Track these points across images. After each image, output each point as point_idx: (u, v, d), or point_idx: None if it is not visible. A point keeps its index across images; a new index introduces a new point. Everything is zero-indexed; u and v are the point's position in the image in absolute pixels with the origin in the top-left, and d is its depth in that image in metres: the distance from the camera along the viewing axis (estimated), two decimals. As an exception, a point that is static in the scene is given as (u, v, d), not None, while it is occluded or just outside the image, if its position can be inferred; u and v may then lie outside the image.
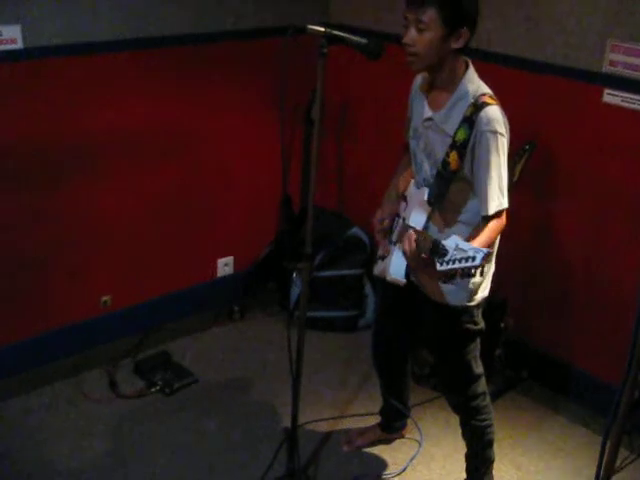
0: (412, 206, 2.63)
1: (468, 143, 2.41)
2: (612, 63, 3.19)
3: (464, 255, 2.10)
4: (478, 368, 2.82)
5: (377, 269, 2.81)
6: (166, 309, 4.09)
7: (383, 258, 2.76)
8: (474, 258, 2.09)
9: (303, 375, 2.87)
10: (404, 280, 2.58)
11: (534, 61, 3.44)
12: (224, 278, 4.32)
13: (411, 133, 2.69)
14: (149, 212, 3.87)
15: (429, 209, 2.56)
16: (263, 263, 4.33)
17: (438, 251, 2.17)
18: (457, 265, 2.11)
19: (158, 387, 3.58)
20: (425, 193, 2.54)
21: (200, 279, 4.22)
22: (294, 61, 4.15)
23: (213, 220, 4.16)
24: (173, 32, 3.66)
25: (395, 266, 2.61)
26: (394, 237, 2.70)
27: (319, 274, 4.10)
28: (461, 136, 2.42)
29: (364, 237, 4.22)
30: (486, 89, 2.47)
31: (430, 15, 2.33)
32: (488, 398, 2.89)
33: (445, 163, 2.47)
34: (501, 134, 2.39)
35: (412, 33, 2.38)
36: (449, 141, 2.46)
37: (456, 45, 2.40)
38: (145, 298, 4.00)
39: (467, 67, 2.50)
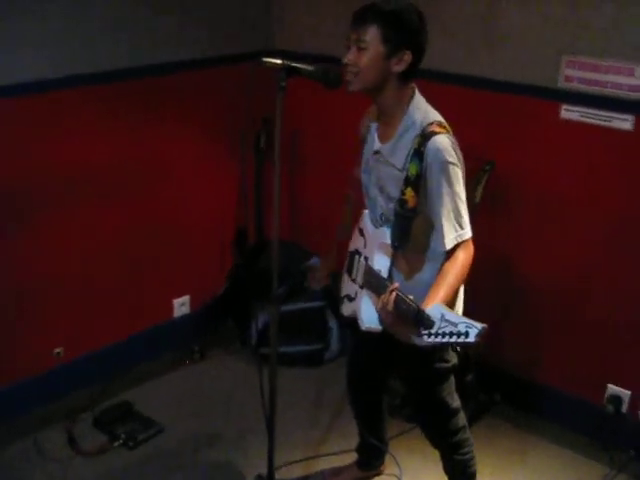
0: (373, 247, 2.52)
1: (421, 177, 2.31)
2: (568, 79, 3.17)
3: (454, 329, 1.93)
4: (455, 402, 2.73)
5: (345, 310, 2.71)
6: (123, 355, 3.92)
7: (350, 298, 2.66)
8: (467, 334, 1.92)
9: (271, 415, 2.73)
10: (380, 327, 2.45)
11: (491, 80, 3.40)
12: (181, 318, 4.17)
13: (362, 166, 2.60)
14: (100, 255, 3.70)
15: (391, 251, 2.45)
16: (221, 300, 4.19)
17: (423, 322, 2.03)
18: (446, 339, 1.95)
19: (121, 440, 3.40)
20: (387, 236, 2.44)
21: (156, 321, 4.06)
22: (241, 90, 4.09)
23: (167, 259, 4.01)
24: (120, 66, 3.53)
25: (367, 314, 2.49)
26: (359, 280, 2.58)
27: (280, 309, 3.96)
28: (413, 171, 2.32)
29: (324, 268, 4.10)
30: (435, 116, 2.38)
31: (371, 33, 2.27)
32: (468, 431, 2.80)
33: (402, 202, 2.36)
34: (452, 163, 2.29)
35: (353, 52, 2.31)
36: (399, 175, 2.37)
37: (397, 68, 2.31)
38: (100, 346, 3.81)
39: (413, 93, 2.41)
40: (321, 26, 3.99)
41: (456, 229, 2.32)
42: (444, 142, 2.29)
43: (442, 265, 2.33)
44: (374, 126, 2.50)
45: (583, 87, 3.14)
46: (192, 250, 4.11)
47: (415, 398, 2.86)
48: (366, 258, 2.54)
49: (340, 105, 3.74)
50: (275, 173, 2.58)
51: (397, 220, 2.39)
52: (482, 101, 3.43)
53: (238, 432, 3.52)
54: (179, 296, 4.13)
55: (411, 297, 2.16)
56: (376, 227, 2.54)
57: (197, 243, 4.13)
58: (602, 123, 3.13)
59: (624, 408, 3.38)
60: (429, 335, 1.97)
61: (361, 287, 2.56)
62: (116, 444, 3.39)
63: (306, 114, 4.14)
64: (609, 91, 3.08)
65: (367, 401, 3.09)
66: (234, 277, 4.20)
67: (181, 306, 4.15)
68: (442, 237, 2.31)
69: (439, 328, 1.96)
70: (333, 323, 4.08)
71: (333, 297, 4.05)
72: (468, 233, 2.35)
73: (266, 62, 2.46)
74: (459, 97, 3.34)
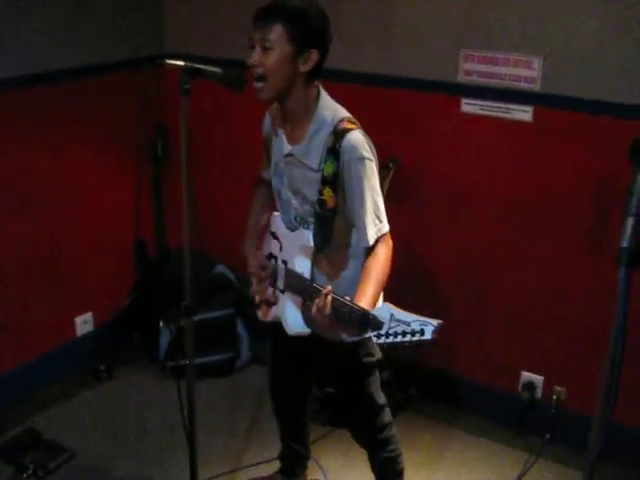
0: (291, 250, 2.47)
1: (338, 176, 2.28)
2: (467, 72, 3.20)
3: (406, 328, 1.88)
4: (380, 399, 2.71)
5: (267, 315, 2.64)
6: (26, 380, 3.70)
7: (269, 303, 2.60)
8: (422, 332, 1.86)
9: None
10: (309, 330, 2.41)
11: (391, 77, 3.39)
12: (85, 336, 3.98)
13: (272, 170, 2.54)
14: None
15: (312, 253, 2.41)
16: (125, 315, 4.04)
17: (369, 323, 1.97)
18: (399, 339, 1.89)
19: (30, 471, 3.19)
20: (308, 239, 2.38)
21: (59, 341, 3.86)
22: (133, 97, 3.97)
23: (65, 276, 3.83)
24: (3, 76, 3.32)
25: (293, 318, 2.45)
26: (280, 284, 2.52)
27: (188, 319, 3.86)
28: (330, 170, 2.29)
29: (230, 275, 4.02)
30: (344, 113, 2.36)
31: (276, 32, 2.21)
32: (394, 428, 2.78)
33: (321, 202, 2.33)
34: (368, 159, 2.28)
35: (257, 53, 2.25)
36: (315, 176, 2.33)
37: (305, 68, 2.27)
38: (0, 370, 3.61)
39: (319, 92, 2.37)
40: (213, 28, 3.90)
41: (375, 223, 2.30)
42: (358, 138, 2.27)
43: (365, 262, 2.31)
44: (281, 131, 2.45)
45: (482, 80, 3.17)
46: (91, 265, 3.95)
47: (341, 396, 2.82)
48: (284, 262, 2.48)
49: (237, 102, 3.69)
50: (183, 180, 2.50)
51: (318, 221, 2.35)
52: (383, 99, 3.42)
53: (155, 451, 3.39)
54: (81, 313, 3.96)
55: (347, 298, 2.12)
56: (291, 230, 2.49)
57: (96, 257, 3.96)
58: (502, 115, 3.17)
59: (538, 393, 3.45)
60: (379, 336, 1.92)
61: (281, 291, 2.51)
62: (25, 475, 3.19)
63: (200, 115, 4.04)
64: (508, 83, 3.12)
65: (292, 407, 3.03)
66: (138, 290, 4.05)
67: (84, 324, 3.97)
68: (364, 233, 2.29)
69: (390, 328, 1.90)
70: (243, 330, 3.99)
71: (242, 304, 3.99)
72: (386, 226, 2.34)
73: (168, 64, 2.37)
74: (359, 96, 3.30)
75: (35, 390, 3.74)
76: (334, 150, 2.26)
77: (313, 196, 2.35)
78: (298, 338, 2.48)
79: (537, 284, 3.32)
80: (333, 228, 2.34)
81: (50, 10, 3.46)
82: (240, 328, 3.99)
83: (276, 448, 3.17)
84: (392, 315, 1.91)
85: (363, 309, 2.04)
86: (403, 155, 3.32)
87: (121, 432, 3.52)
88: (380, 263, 2.28)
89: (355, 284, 2.32)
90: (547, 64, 3.04)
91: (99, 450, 3.39)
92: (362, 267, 2.31)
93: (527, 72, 3.07)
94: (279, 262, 2.52)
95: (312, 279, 2.38)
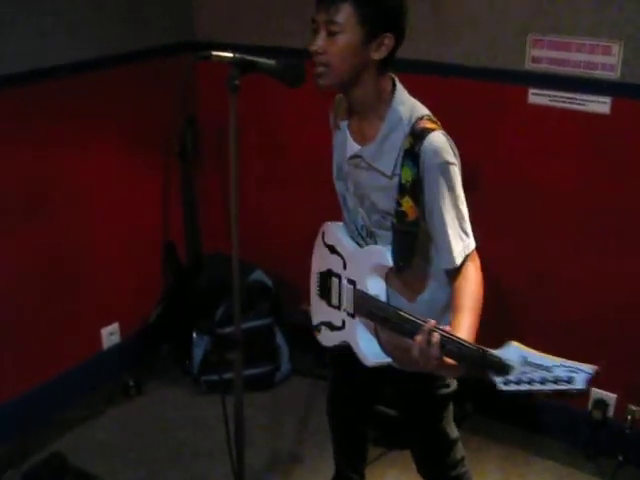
0: (360, 268, 2.15)
1: (417, 183, 1.96)
2: (535, 60, 2.89)
3: (547, 376, 1.53)
4: (454, 433, 2.43)
5: (326, 340, 2.36)
6: (49, 399, 3.43)
7: (333, 327, 2.30)
8: (570, 380, 1.52)
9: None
10: (389, 360, 2.11)
11: (442, 64, 3.09)
12: (111, 349, 3.71)
13: (335, 172, 2.23)
14: (13, 286, 3.23)
15: (385, 272, 2.09)
16: (154, 325, 3.75)
17: (491, 366, 1.63)
18: (537, 387, 1.55)
19: (57, 501, 2.95)
20: (386, 257, 2.04)
21: (84, 355, 3.59)
22: (159, 88, 3.68)
23: (90, 285, 3.55)
24: (16, 70, 3.03)
25: (369, 347, 2.14)
26: (346, 307, 2.20)
27: (223, 331, 3.57)
28: (408, 177, 1.96)
29: (268, 281, 3.73)
30: (422, 110, 2.04)
31: (345, 13, 1.89)
32: (467, 463, 2.49)
33: (400, 214, 1.99)
34: (452, 163, 1.98)
35: (322, 38, 1.93)
36: (388, 183, 2.01)
37: (377, 55, 1.96)
38: (21, 391, 3.33)
39: (394, 85, 2.05)
40: (246, 15, 3.59)
41: (462, 238, 2.00)
42: (441, 140, 1.96)
43: (455, 287, 1.99)
44: (344, 125, 2.14)
45: (553, 68, 2.86)
46: (116, 271, 3.67)
47: (411, 430, 2.52)
48: (352, 281, 2.17)
49: (287, 101, 3.40)
50: (233, 187, 2.20)
51: (397, 237, 2.02)
52: (437, 89, 3.07)
53: (192, 476, 3.12)
54: (107, 324, 3.68)
55: (459, 335, 1.78)
56: (358, 243, 2.20)
57: (121, 262, 3.68)
58: (575, 107, 2.86)
59: (610, 412, 3.16)
60: (506, 383, 1.59)
61: (351, 315, 2.20)
62: (52, 506, 2.94)
63: (241, 113, 3.75)
64: (582, 72, 2.81)
65: (353, 433, 2.73)
66: (168, 298, 3.77)
67: (110, 335, 3.70)
68: (448, 251, 1.99)
69: (522, 374, 1.57)
70: (282, 341, 3.70)
71: (281, 312, 3.72)
72: (473, 242, 2.04)
73: (215, 56, 2.02)
74: (409, 86, 3.01)
75: (59, 410, 3.47)
76: (413, 153, 1.95)
77: (384, 205, 2.04)
78: (365, 367, 2.18)
79: (610, 297, 3.02)
80: (415, 245, 2.02)
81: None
82: (279, 338, 3.70)
83: (325, 472, 2.93)
84: (524, 358, 1.58)
85: (482, 349, 1.68)
86: (462, 152, 3.00)
87: (153, 456, 3.25)
88: (473, 288, 1.96)
89: (435, 309, 2.05)
90: (628, 50, 2.72)
91: (130, 476, 3.13)
92: (453, 293, 1.99)
93: (605, 59, 2.75)
94: (343, 281, 2.22)
95: (388, 302, 2.08)
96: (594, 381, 1.52)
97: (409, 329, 1.86)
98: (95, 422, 3.45)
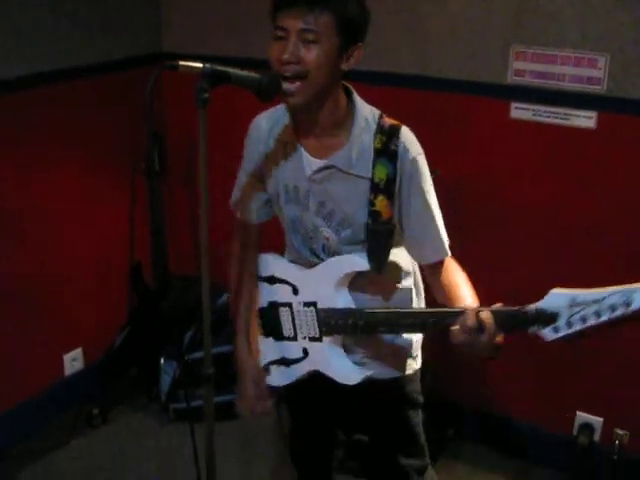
0: (318, 287, 2.03)
1: (393, 181, 1.89)
2: (518, 72, 2.79)
3: (601, 307, 1.56)
4: (423, 438, 2.33)
5: (278, 379, 2.20)
6: (8, 429, 3.27)
7: (288, 362, 2.15)
8: (629, 302, 1.54)
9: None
10: (370, 371, 2.04)
11: (423, 77, 2.99)
12: (74, 376, 3.54)
13: (282, 198, 2.07)
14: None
15: (348, 281, 2.00)
16: (120, 350, 3.58)
17: (540, 320, 1.64)
18: (592, 322, 1.58)
19: (16, 542, 2.77)
20: (361, 262, 1.95)
21: (45, 383, 3.42)
22: (124, 102, 3.52)
23: (51, 307, 3.37)
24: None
25: (345, 367, 2.04)
26: (308, 332, 2.07)
27: (191, 356, 3.42)
28: (382, 175, 1.89)
29: (239, 303, 3.58)
30: (374, 108, 1.98)
31: (325, 22, 1.76)
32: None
33: (374, 214, 1.91)
34: (423, 155, 1.95)
35: (295, 46, 1.78)
36: (365, 187, 1.91)
37: (346, 66, 1.86)
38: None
39: (348, 89, 1.96)
40: (214, 26, 3.46)
41: (444, 230, 2.01)
42: (411, 133, 1.95)
43: (449, 276, 1.98)
44: (296, 145, 1.99)
45: (536, 82, 2.77)
46: (80, 293, 3.51)
47: (384, 436, 2.36)
48: (309, 304, 2.04)
49: (254, 112, 3.26)
50: (202, 207, 2.03)
51: (373, 237, 1.95)
52: (418, 102, 3.01)
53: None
54: (69, 350, 3.51)
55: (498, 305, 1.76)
56: (312, 265, 2.06)
57: (85, 284, 3.53)
58: (559, 121, 2.77)
59: (597, 437, 3.06)
60: (555, 330, 1.62)
61: (316, 340, 2.06)
62: None
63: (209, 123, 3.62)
64: (567, 85, 2.72)
65: (318, 457, 2.59)
66: (134, 322, 3.61)
67: (73, 361, 3.53)
68: (440, 241, 1.99)
69: (572, 316, 1.60)
70: (256, 365, 3.56)
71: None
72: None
73: (182, 66, 1.84)
74: (390, 99, 2.85)
75: (19, 441, 3.31)
76: (387, 151, 1.88)
77: (359, 212, 1.95)
78: (340, 391, 2.06)
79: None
80: (391, 245, 1.96)
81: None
82: (253, 362, 3.55)
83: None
84: (572, 299, 1.60)
85: (523, 308, 1.67)
86: (442, 168, 2.89)
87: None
88: (466, 278, 1.96)
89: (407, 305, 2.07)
90: (615, 63, 2.63)
91: (95, 510, 2.96)
92: (450, 285, 1.95)
93: (591, 72, 2.66)
94: (298, 307, 2.08)
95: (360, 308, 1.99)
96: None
97: (444, 321, 1.79)
98: (57, 453, 3.28)
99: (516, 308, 1.69)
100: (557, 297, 1.62)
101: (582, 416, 3.07)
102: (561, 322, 1.61)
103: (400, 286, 2.10)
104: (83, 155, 3.39)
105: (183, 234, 3.78)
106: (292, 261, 2.14)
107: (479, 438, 3.33)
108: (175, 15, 3.59)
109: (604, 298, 1.56)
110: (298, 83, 1.81)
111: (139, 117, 3.41)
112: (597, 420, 3.05)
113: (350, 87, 1.97)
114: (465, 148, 2.99)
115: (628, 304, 1.54)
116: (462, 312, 1.74)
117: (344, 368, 2.05)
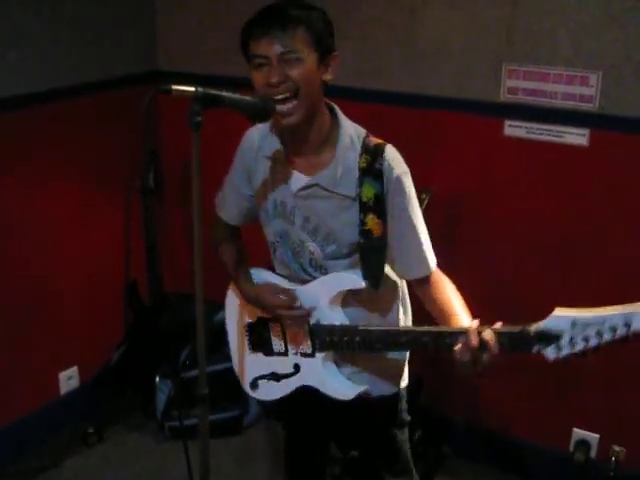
0: (315, 303, 2.04)
1: (381, 199, 1.92)
2: (511, 90, 2.79)
3: (603, 327, 1.59)
4: (410, 458, 2.35)
5: (267, 392, 2.27)
6: (3, 448, 3.25)
7: (278, 377, 2.19)
8: (629, 322, 1.57)
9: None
10: (364, 386, 2.07)
11: (415, 95, 2.98)
12: (70, 394, 3.52)
13: (269, 213, 2.10)
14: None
15: (341, 298, 2.02)
16: (116, 368, 3.57)
17: (543, 340, 1.66)
18: (594, 342, 1.60)
19: None
20: (357, 279, 1.97)
21: (40, 402, 3.41)
22: (119, 120, 3.52)
23: (47, 325, 3.37)
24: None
25: (340, 382, 2.07)
26: (297, 349, 2.11)
27: (188, 374, 3.42)
28: (370, 194, 1.91)
29: (235, 320, 3.57)
30: (359, 127, 2.00)
31: (301, 38, 1.80)
32: None
33: (366, 233, 1.94)
34: (408, 174, 1.96)
35: (280, 69, 1.80)
36: (349, 205, 1.94)
37: (328, 76, 1.89)
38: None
39: (331, 108, 1.98)
40: (211, 44, 3.46)
41: (430, 245, 2.02)
42: (395, 152, 1.98)
43: (438, 289, 2.00)
44: (277, 160, 2.03)
45: (529, 99, 2.77)
46: (75, 311, 3.50)
47: (373, 455, 2.39)
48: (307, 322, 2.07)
49: (240, 130, 3.27)
50: (195, 229, 2.05)
51: (366, 255, 1.97)
52: (410, 120, 3.01)
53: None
54: (65, 368, 3.50)
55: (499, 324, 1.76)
56: (302, 281, 2.08)
57: (81, 302, 3.51)
58: (552, 139, 2.77)
59: (593, 453, 3.05)
60: (558, 349, 1.65)
61: (309, 355, 2.09)
62: None
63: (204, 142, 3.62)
64: (560, 103, 2.72)
65: (312, 472, 2.61)
66: (129, 340, 3.60)
67: (68, 380, 3.52)
68: (424, 257, 1.99)
69: (575, 336, 1.62)
70: (250, 383, 3.55)
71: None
72: None
73: (175, 90, 1.84)
74: (382, 117, 2.90)
75: (14, 460, 3.30)
76: (373, 170, 1.90)
77: (348, 234, 1.97)
78: (329, 406, 2.11)
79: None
80: (384, 261, 1.99)
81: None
82: (247, 381, 3.54)
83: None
84: (573, 320, 1.62)
85: (525, 328, 1.69)
86: (436, 185, 2.90)
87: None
88: (455, 290, 1.99)
89: (396, 321, 2.12)
90: (607, 81, 2.63)
91: (90, 532, 2.95)
92: (439, 299, 1.98)
93: (583, 90, 2.66)
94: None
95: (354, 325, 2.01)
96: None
97: (446, 340, 1.81)
98: (53, 473, 3.26)
99: (519, 328, 1.70)
100: (560, 318, 1.64)
101: (578, 432, 3.06)
102: (564, 342, 1.63)
103: (392, 308, 2.13)
104: (81, 174, 3.39)
105: (178, 251, 3.77)
106: (283, 277, 2.15)
107: (475, 455, 3.31)
108: (172, 33, 3.59)
109: (604, 319, 1.59)
110: (291, 103, 1.84)
111: (136, 135, 3.44)
112: (593, 437, 3.04)
113: (333, 105, 1.99)
114: (459, 166, 2.98)
115: (628, 325, 1.58)
116: (464, 332, 1.76)
117: (339, 384, 2.08)
